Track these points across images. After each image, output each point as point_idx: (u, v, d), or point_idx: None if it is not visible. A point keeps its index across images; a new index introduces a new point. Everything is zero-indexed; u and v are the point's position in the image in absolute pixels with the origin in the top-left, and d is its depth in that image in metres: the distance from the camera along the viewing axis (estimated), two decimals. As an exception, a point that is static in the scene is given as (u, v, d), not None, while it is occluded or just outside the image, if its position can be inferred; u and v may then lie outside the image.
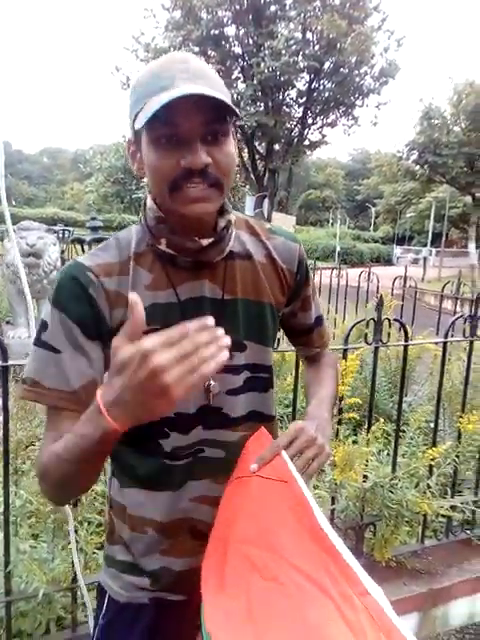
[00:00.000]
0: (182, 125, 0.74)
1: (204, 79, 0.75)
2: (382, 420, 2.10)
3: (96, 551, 1.81)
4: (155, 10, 15.07)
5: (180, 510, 0.90)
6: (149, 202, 0.87)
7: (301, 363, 1.21)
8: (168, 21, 14.77)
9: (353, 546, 2.12)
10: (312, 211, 58.47)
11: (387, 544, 2.13)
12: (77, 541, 1.44)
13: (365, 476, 2.03)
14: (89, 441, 0.67)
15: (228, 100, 0.76)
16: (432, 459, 2.12)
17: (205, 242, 0.84)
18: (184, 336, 0.61)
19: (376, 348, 2.03)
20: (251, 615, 0.71)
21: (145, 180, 0.83)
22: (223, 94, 0.75)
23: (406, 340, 2.09)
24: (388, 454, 2.29)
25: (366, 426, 2.12)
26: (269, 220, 14.79)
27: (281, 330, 1.10)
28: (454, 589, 2.14)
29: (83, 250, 4.24)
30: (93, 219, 4.44)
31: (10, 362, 1.46)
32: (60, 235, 7.13)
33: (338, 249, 29.74)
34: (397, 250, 38.38)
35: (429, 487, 2.16)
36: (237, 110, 0.78)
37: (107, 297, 0.83)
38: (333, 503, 2.06)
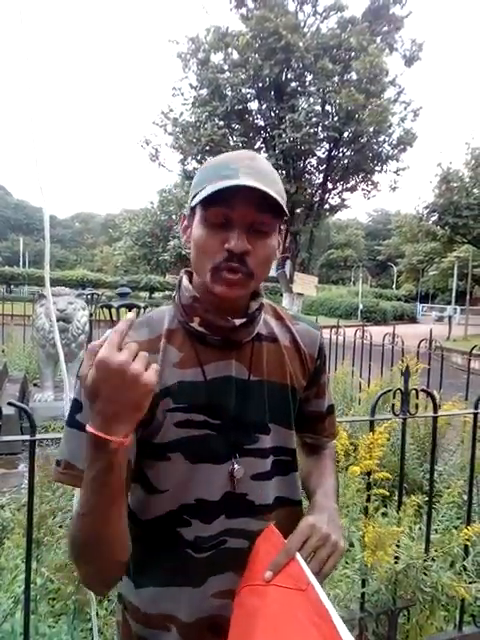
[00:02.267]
0: (234, 210, 0.80)
1: (266, 179, 0.80)
2: (412, 496, 2.02)
3: (115, 635, 1.74)
4: (183, 88, 16.12)
5: (203, 609, 0.87)
6: (185, 282, 0.91)
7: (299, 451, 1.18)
8: (195, 98, 15.75)
9: (385, 633, 1.98)
10: (334, 270, 59.08)
11: (422, 631, 1.99)
12: (100, 631, 1.39)
13: (396, 557, 1.93)
14: (100, 476, 0.69)
15: (283, 202, 0.82)
16: (467, 539, 2.01)
17: (237, 322, 0.87)
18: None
19: (404, 420, 1.99)
20: None
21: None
22: (280, 196, 0.81)
23: (435, 411, 2.05)
24: (420, 528, 2.19)
25: (396, 500, 2.04)
26: (291, 280, 14.95)
27: None
28: (499, 686, 1.96)
29: (111, 315, 4.43)
30: (122, 285, 4.61)
31: (37, 436, 1.47)
32: (88, 298, 7.35)
33: (361, 307, 29.75)
34: (421, 308, 38.17)
35: (465, 569, 2.04)
36: (286, 211, 0.83)
37: None
38: (363, 586, 1.95)
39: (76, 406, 0.83)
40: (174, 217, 25.61)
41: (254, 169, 0.80)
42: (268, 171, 0.82)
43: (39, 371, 5.65)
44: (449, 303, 35.37)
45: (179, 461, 0.86)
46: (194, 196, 0.84)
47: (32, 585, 1.48)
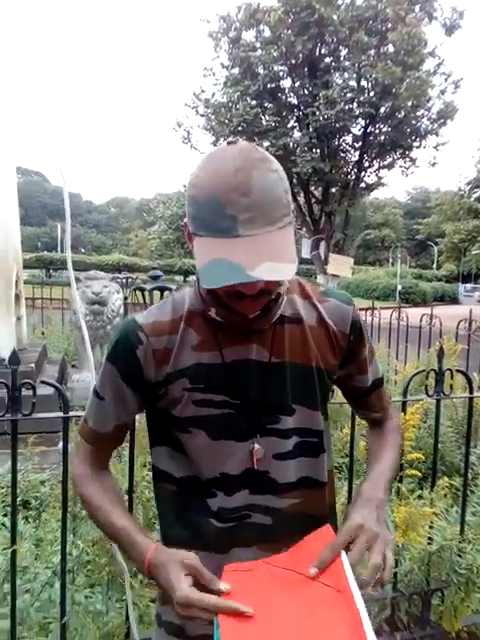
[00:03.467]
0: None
1: (265, 214, 0.74)
2: (446, 477, 1.98)
3: (150, 604, 1.79)
4: (214, 69, 15.96)
5: None
6: None
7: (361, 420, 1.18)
8: (227, 78, 15.58)
9: (419, 614, 1.97)
10: (371, 251, 57.92)
11: (457, 613, 1.96)
12: (135, 603, 1.44)
13: (430, 538, 1.90)
14: (123, 550, 0.92)
15: (289, 251, 0.76)
16: (504, 520, 1.96)
17: (252, 315, 0.87)
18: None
19: (438, 401, 1.93)
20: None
21: None
22: (284, 222, 0.77)
23: (471, 392, 1.99)
24: (457, 511, 2.15)
25: (430, 482, 2.01)
26: (326, 262, 14.75)
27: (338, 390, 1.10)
28: None
29: (144, 297, 4.52)
30: (154, 268, 4.66)
31: (71, 413, 1.51)
32: (124, 282, 7.48)
33: (399, 288, 29.08)
34: (463, 288, 37.01)
35: (503, 551, 1.99)
36: (291, 209, 0.80)
37: (154, 357, 0.89)
38: (396, 566, 1.93)
39: (99, 376, 0.95)
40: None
41: (251, 210, 0.73)
42: (266, 195, 0.75)
43: (77, 352, 5.79)
44: (493, 283, 34.14)
45: (200, 436, 0.90)
46: (193, 232, 0.80)
47: (68, 556, 1.54)
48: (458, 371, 2.00)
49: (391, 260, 48.73)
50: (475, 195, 21.06)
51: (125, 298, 6.34)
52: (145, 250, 47.16)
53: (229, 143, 0.79)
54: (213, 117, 15.49)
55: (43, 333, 7.60)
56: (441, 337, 4.89)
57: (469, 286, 39.99)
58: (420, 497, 1.98)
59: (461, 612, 1.97)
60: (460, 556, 1.91)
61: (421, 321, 5.50)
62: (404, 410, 1.88)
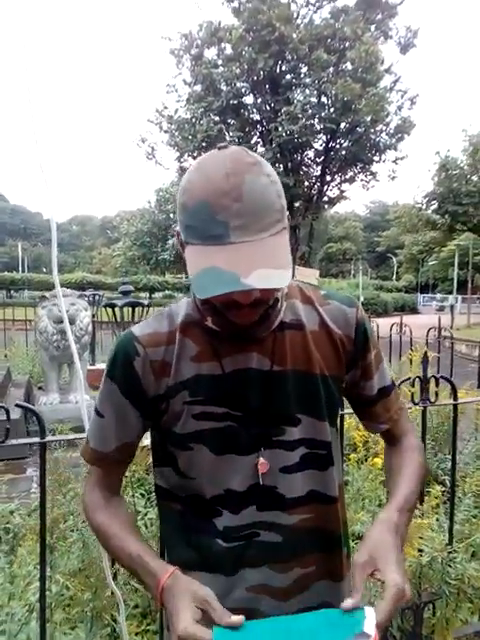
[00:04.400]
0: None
1: (258, 220, 0.71)
2: (436, 487, 1.96)
3: (135, 637, 1.69)
4: (177, 85, 16.05)
5: (236, 600, 0.84)
6: None
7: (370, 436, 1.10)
8: (190, 94, 15.69)
9: (411, 628, 1.93)
10: (333, 263, 59.02)
11: (448, 625, 1.94)
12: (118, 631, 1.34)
13: (420, 550, 1.87)
14: (137, 577, 0.85)
15: (283, 257, 0.73)
16: (492, 528, 1.96)
17: (249, 324, 0.83)
18: None
19: (424, 409, 1.92)
20: None
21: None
22: (278, 228, 0.74)
23: (455, 399, 1.99)
24: (437, 520, 2.13)
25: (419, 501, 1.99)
26: (293, 274, 14.92)
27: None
28: None
29: (114, 314, 4.38)
30: (124, 283, 4.55)
31: (48, 438, 1.42)
32: (91, 300, 7.31)
33: (362, 299, 29.67)
34: (422, 298, 38.09)
35: (491, 559, 1.99)
36: (285, 215, 0.77)
37: (152, 368, 0.86)
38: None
39: (99, 393, 0.91)
40: (172, 216, 25.57)
41: (242, 217, 0.70)
42: (258, 200, 0.72)
43: (43, 374, 5.60)
44: (450, 293, 35.31)
45: (203, 451, 0.85)
46: (186, 240, 0.76)
47: (47, 592, 1.43)
48: (442, 378, 2.00)
49: (353, 272, 49.84)
50: (432, 207, 21.75)
51: (93, 316, 6.18)
52: (109, 267, 46.60)
53: (220, 148, 0.76)
54: (177, 133, 15.54)
55: (6, 355, 7.34)
56: (412, 346, 4.97)
57: (427, 296, 41.21)
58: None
59: (452, 624, 1.94)
60: (450, 566, 1.89)
61: (391, 330, 5.58)
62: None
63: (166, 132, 15.92)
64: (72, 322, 5.16)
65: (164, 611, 0.83)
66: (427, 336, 5.25)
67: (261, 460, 0.84)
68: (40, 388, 5.86)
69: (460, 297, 32.78)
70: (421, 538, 1.88)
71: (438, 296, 37.28)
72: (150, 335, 0.87)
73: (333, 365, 0.90)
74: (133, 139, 16.50)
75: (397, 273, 53.19)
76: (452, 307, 20.53)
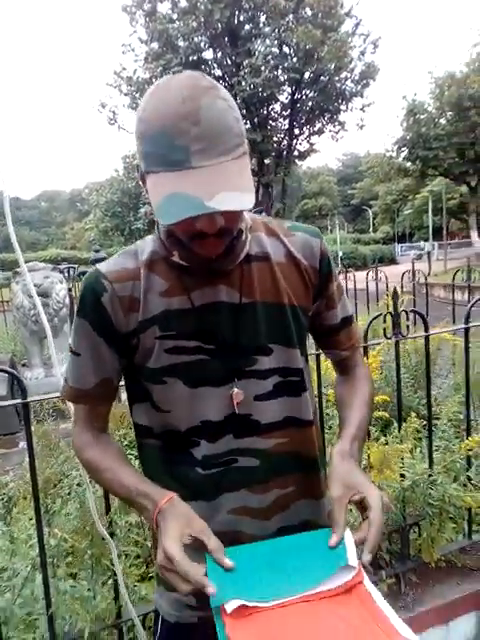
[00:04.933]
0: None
1: (218, 143, 0.71)
2: (413, 415, 2.04)
3: (137, 584, 1.76)
4: (133, 44, 15.40)
5: (219, 522, 0.88)
6: None
7: (333, 372, 1.14)
8: (147, 53, 15.10)
9: (399, 550, 2.04)
10: (309, 220, 58.64)
11: (434, 543, 2.05)
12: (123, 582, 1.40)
13: (402, 475, 1.96)
14: (135, 506, 0.87)
15: (246, 182, 0.73)
16: (469, 450, 2.05)
17: (215, 256, 0.84)
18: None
19: (397, 342, 1.98)
20: (274, 637, 0.70)
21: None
22: (239, 152, 0.74)
23: (426, 331, 2.04)
24: (421, 451, 2.23)
25: (396, 424, 2.06)
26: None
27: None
28: (511, 583, 2.05)
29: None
30: (96, 251, 4.49)
31: (29, 398, 1.43)
32: (67, 274, 7.19)
33: (340, 254, 29.71)
34: (399, 248, 38.28)
35: (470, 479, 2.09)
36: (244, 136, 0.77)
37: (121, 304, 0.86)
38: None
39: (73, 333, 0.92)
40: (142, 184, 24.97)
41: (203, 140, 0.70)
42: (217, 123, 0.71)
43: (25, 351, 5.57)
44: (426, 240, 35.50)
45: (177, 385, 0.87)
46: (146, 170, 0.75)
47: (46, 546, 1.48)
48: (413, 311, 2.05)
49: (329, 227, 49.65)
50: (403, 154, 21.61)
51: (69, 289, 6.10)
52: (83, 242, 45.65)
53: (174, 73, 0.76)
54: (137, 95, 15.00)
55: (-15, 336, 7.25)
56: (387, 291, 5.05)
57: (405, 245, 41.41)
58: (385, 444, 2.04)
59: (438, 543, 2.05)
60: (432, 488, 1.99)
61: (367, 277, 5.64)
62: (366, 354, 1.91)
63: (126, 95, 15.38)
64: (48, 295, 5.10)
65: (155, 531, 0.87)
66: (402, 281, 5.32)
67: (235, 390, 0.87)
68: (24, 365, 5.83)
69: (436, 244, 33.03)
70: (402, 464, 1.97)
71: (422, 244, 37.19)
72: (117, 271, 0.88)
73: (301, 295, 0.93)
74: (94, 105, 15.91)
75: (374, 225, 53.19)
76: (429, 254, 20.71)
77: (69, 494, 2.06)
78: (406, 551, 2.05)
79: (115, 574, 1.44)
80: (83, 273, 4.84)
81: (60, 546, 1.55)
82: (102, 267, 0.89)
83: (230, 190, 0.70)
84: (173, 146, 0.70)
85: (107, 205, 28.70)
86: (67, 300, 5.42)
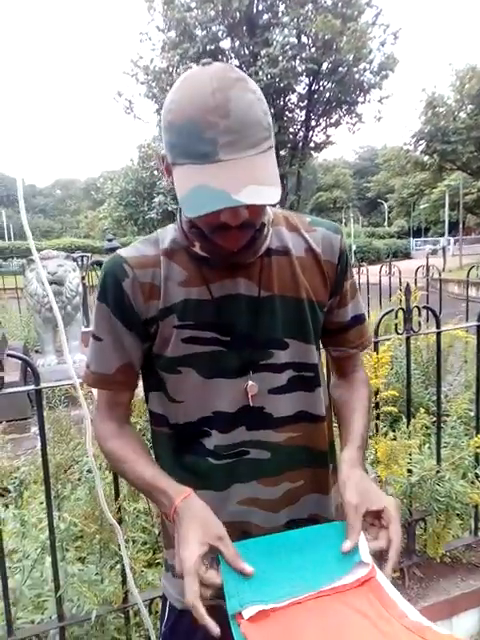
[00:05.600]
0: None
1: (247, 136, 0.71)
2: (422, 411, 2.04)
3: (144, 569, 1.79)
4: (150, 33, 15.32)
5: (228, 513, 0.89)
6: None
7: (331, 375, 1.14)
8: (164, 42, 15.02)
9: (404, 544, 2.05)
10: (324, 213, 58.17)
11: (439, 539, 2.05)
12: (131, 566, 1.42)
13: (409, 470, 1.97)
14: (153, 499, 0.89)
15: (273, 175, 0.73)
16: (477, 447, 2.05)
17: (237, 248, 0.84)
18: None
19: (408, 337, 1.97)
20: (291, 636, 0.70)
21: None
22: (266, 145, 0.74)
23: (438, 327, 2.03)
24: (429, 448, 2.22)
25: (405, 419, 2.06)
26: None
27: None
28: (515, 581, 2.04)
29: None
30: (109, 240, 4.51)
31: (42, 385, 1.46)
32: (80, 262, 7.24)
33: (354, 248, 29.50)
34: (414, 243, 37.85)
35: (478, 476, 2.09)
36: (272, 130, 0.77)
37: (141, 290, 0.87)
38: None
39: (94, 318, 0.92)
40: (156, 173, 24.90)
41: (231, 133, 0.69)
42: (246, 116, 0.71)
43: (39, 337, 5.63)
44: (442, 235, 35.05)
45: (191, 375, 0.88)
46: (173, 162, 0.76)
47: (56, 530, 1.51)
48: (425, 308, 2.04)
49: (344, 221, 49.25)
50: (420, 147, 21.30)
51: (82, 278, 6.14)
52: (96, 231, 45.82)
53: (203, 64, 0.75)
54: (154, 84, 14.94)
55: (0, 322, 7.35)
56: (400, 286, 5.01)
57: (420, 240, 40.94)
58: (394, 439, 2.04)
59: (443, 538, 2.06)
60: (439, 485, 1.99)
61: (380, 272, 5.60)
62: (376, 349, 1.90)
63: (143, 84, 15.32)
64: (61, 283, 5.14)
65: (169, 527, 0.89)
66: (415, 276, 5.28)
67: (250, 383, 0.88)
68: (37, 351, 5.90)
69: (452, 239, 32.60)
70: (410, 459, 1.97)
71: (440, 239, 36.54)
72: (137, 258, 0.88)
73: (319, 290, 0.93)
74: (110, 94, 15.92)
75: (389, 219, 52.65)
76: (444, 249, 20.49)
77: (79, 480, 2.09)
78: (411, 546, 2.05)
79: (122, 559, 1.47)
80: (97, 262, 4.87)
81: (69, 530, 1.58)
82: (123, 252, 0.89)
83: (257, 184, 0.70)
84: (201, 138, 0.70)
85: (121, 194, 28.74)
86: (80, 288, 5.46)
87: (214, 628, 0.71)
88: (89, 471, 1.97)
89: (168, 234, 0.91)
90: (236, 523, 0.89)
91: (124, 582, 1.56)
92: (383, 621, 0.72)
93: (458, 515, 2.16)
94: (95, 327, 0.92)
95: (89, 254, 9.14)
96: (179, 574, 0.76)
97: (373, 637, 0.69)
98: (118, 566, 1.61)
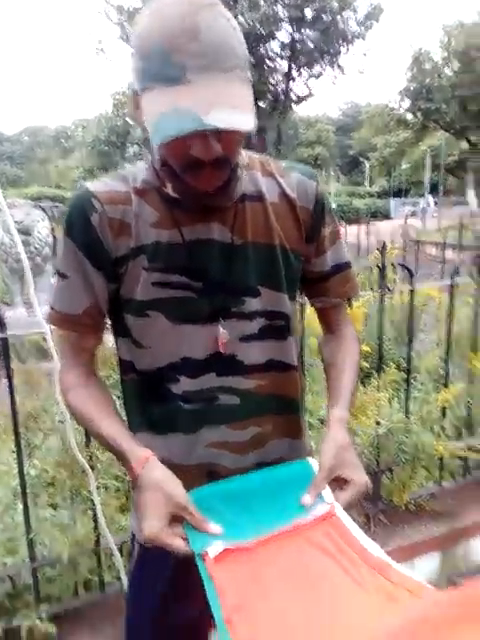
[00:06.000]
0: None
1: (218, 60, 0.67)
2: (392, 366, 2.08)
3: (115, 515, 1.82)
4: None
5: (196, 456, 0.90)
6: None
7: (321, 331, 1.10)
8: (141, -21, 14.13)
9: (371, 492, 2.13)
10: (304, 170, 57.17)
11: (405, 488, 2.14)
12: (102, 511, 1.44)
13: (378, 422, 2.02)
14: (113, 451, 0.85)
15: (247, 103, 0.70)
16: (445, 401, 2.11)
17: (211, 190, 0.80)
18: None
19: (382, 295, 1.98)
20: (256, 574, 0.72)
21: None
22: (240, 74, 0.70)
23: (412, 285, 2.04)
24: (399, 402, 2.28)
25: (376, 375, 2.10)
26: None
27: None
28: (474, 527, 2.16)
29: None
30: (80, 187, 4.36)
31: (8, 333, 1.41)
32: (50, 213, 6.98)
33: (334, 206, 29.24)
34: (394, 203, 37.79)
35: (443, 429, 2.16)
36: (247, 61, 0.73)
37: (110, 226, 0.83)
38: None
39: (60, 255, 0.88)
40: (130, 121, 23.94)
41: (201, 57, 0.66)
42: (217, 41, 0.68)
43: (6, 289, 5.49)
44: (422, 196, 35.04)
45: (160, 320, 0.86)
46: (142, 88, 0.72)
47: (27, 477, 1.50)
48: (401, 265, 2.04)
49: (325, 178, 48.66)
50: (405, 105, 20.98)
51: (52, 229, 5.95)
52: (67, 181, 44.15)
53: None
54: (127, 24, 14.13)
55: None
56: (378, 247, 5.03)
57: (400, 201, 40.89)
58: (364, 387, 2.08)
59: (409, 487, 2.14)
60: (406, 436, 2.06)
61: (359, 231, 5.59)
62: (350, 305, 1.91)
63: (117, 24, 14.49)
64: (28, 233, 4.97)
65: (133, 493, 0.87)
66: (392, 236, 5.29)
67: (221, 331, 0.86)
68: (6, 303, 5.76)
69: (432, 200, 32.63)
70: (378, 411, 2.02)
71: (410, 201, 36.54)
72: (107, 193, 0.83)
73: (293, 238, 0.90)
74: (82, 36, 15.05)
75: (370, 178, 52.25)
76: (424, 210, 20.52)
77: (51, 431, 2.08)
78: (378, 494, 2.13)
79: (94, 503, 1.48)
80: (68, 211, 4.71)
81: (41, 477, 1.58)
82: (91, 186, 0.84)
83: (229, 107, 0.67)
84: (170, 62, 0.67)
85: (94, 143, 27.66)
86: (50, 239, 5.30)
87: (182, 547, 0.73)
88: (61, 422, 1.96)
89: (139, 172, 0.86)
90: (204, 465, 0.89)
91: (96, 527, 1.59)
92: (345, 558, 0.73)
93: (424, 466, 2.25)
94: (61, 264, 0.87)
95: (59, 204, 8.80)
96: (143, 541, 0.76)
97: (336, 576, 0.71)
98: (90, 512, 1.63)
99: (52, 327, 0.93)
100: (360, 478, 0.83)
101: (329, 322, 1.04)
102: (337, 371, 0.97)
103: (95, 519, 1.56)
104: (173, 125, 0.66)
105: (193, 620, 0.97)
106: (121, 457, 0.82)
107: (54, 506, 1.78)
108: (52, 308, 0.89)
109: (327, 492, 0.80)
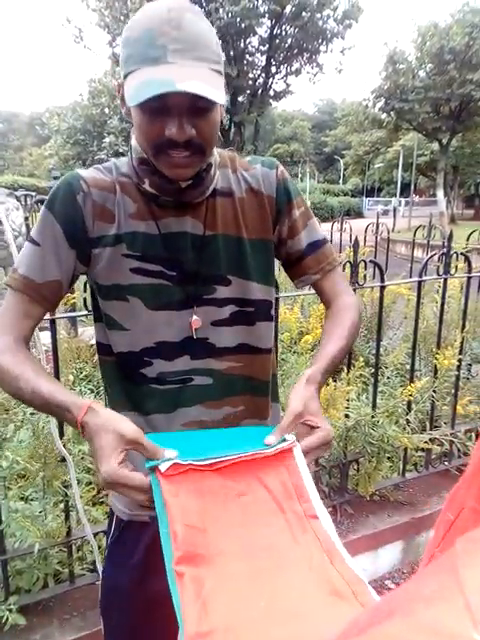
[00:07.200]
0: (169, 100, 0.76)
1: (196, 49, 0.75)
2: (361, 361, 2.14)
3: (87, 507, 1.83)
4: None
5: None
6: (134, 141, 0.90)
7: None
8: (118, -34, 13.85)
9: (338, 483, 2.19)
10: (280, 166, 57.26)
11: (371, 479, 2.21)
12: (70, 495, 1.44)
13: (346, 415, 2.08)
14: (56, 416, 0.85)
15: (219, 70, 0.79)
16: (410, 395, 2.18)
17: (184, 184, 0.87)
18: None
19: (354, 290, 2.03)
20: (200, 491, 0.73)
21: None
22: (214, 62, 0.78)
23: (382, 281, 2.11)
24: (367, 397, 2.35)
25: (346, 370, 2.16)
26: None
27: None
28: (435, 517, 2.24)
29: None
30: (55, 178, 4.27)
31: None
32: (23, 201, 6.83)
33: (308, 204, 29.40)
34: (367, 202, 38.27)
35: (408, 422, 2.23)
36: (222, 69, 0.82)
37: (93, 208, 0.88)
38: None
39: (36, 225, 0.90)
40: (107, 110, 23.50)
41: (181, 42, 0.75)
42: (197, 35, 0.77)
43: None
44: (394, 196, 35.59)
45: (137, 305, 0.91)
46: (126, 73, 0.79)
47: (-2, 468, 1.50)
48: (371, 261, 2.10)
49: (300, 175, 48.87)
50: (379, 104, 21.17)
51: (26, 218, 5.83)
52: (42, 170, 43.18)
53: None
54: (106, 12, 13.88)
55: None
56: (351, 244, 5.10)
57: (372, 200, 41.40)
58: (334, 382, 2.13)
59: (374, 478, 2.22)
60: (373, 429, 2.12)
61: (332, 228, 5.67)
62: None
63: (94, 11, 14.20)
64: (1, 222, 4.87)
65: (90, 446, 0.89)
66: (365, 235, 5.38)
67: (194, 317, 0.92)
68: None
69: (403, 200, 33.17)
70: (347, 405, 2.08)
71: (383, 200, 37.15)
72: (95, 179, 0.90)
73: (262, 228, 0.97)
74: (59, 21, 14.68)
75: (344, 176, 52.69)
76: (395, 210, 20.86)
77: (22, 423, 2.07)
78: (344, 484, 2.20)
79: (67, 496, 1.49)
80: (41, 201, 4.61)
81: (12, 468, 1.58)
82: (81, 172, 0.90)
83: (203, 82, 0.74)
84: (153, 45, 0.74)
85: (69, 131, 27.03)
86: (23, 228, 5.19)
87: (142, 478, 0.73)
88: (33, 414, 1.96)
89: (122, 166, 0.93)
90: None
91: (67, 518, 1.59)
92: (297, 523, 0.74)
93: (389, 457, 2.33)
94: (34, 232, 0.89)
95: (33, 193, 8.64)
96: (103, 487, 0.78)
97: (281, 541, 0.72)
98: (62, 504, 1.64)
99: (6, 289, 0.89)
100: (325, 426, 0.83)
101: (324, 299, 1.04)
102: (325, 340, 0.97)
103: (66, 511, 1.57)
104: (149, 89, 0.73)
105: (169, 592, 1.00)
106: (62, 410, 0.79)
107: (25, 499, 1.78)
108: (15, 271, 0.89)
109: (291, 436, 0.81)
